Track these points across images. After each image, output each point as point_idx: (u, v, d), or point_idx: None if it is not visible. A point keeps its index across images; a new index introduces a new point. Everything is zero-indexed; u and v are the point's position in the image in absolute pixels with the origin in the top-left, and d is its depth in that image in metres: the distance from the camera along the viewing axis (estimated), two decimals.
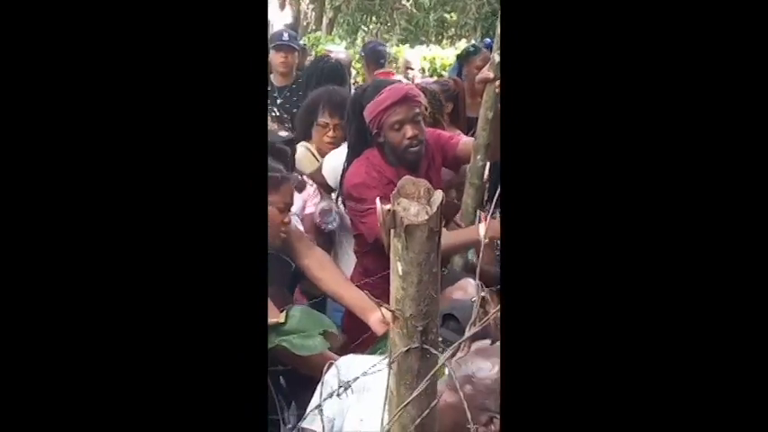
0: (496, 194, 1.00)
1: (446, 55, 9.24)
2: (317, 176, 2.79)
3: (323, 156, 2.82)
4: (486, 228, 2.26)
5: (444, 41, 10.68)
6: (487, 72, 2.26)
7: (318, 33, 10.61)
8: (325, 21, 12.06)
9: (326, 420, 1.47)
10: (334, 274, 2.23)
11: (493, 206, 1.97)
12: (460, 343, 0.82)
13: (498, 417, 1.25)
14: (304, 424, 1.47)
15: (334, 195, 2.78)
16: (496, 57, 2.24)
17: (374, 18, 11.30)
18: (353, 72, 7.15)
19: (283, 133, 2.83)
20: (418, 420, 0.85)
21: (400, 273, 0.82)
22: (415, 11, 10.80)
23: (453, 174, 2.66)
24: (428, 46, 10.03)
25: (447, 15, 11.03)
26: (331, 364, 1.34)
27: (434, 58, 9.15)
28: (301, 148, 2.82)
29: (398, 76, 3.77)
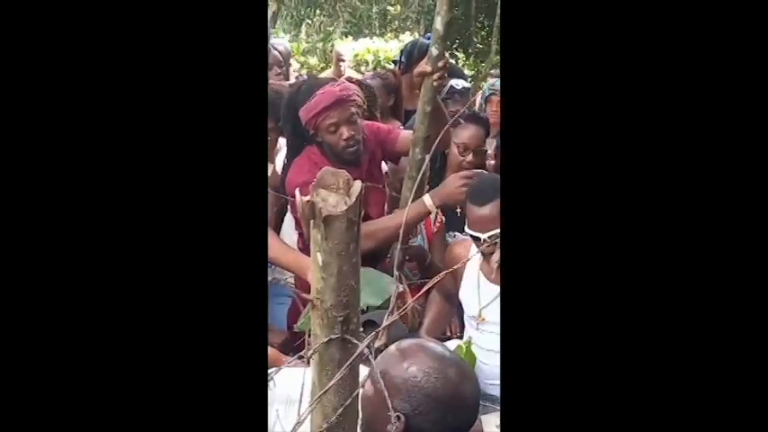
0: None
1: (389, 48, 9.27)
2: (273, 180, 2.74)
3: (271, 161, 2.80)
4: (431, 198, 2.29)
5: (388, 34, 10.69)
6: (425, 66, 2.27)
7: None
8: (269, 13, 11.95)
9: None
10: (272, 240, 2.28)
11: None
12: (378, 332, 0.83)
13: (402, 417, 1.24)
14: None
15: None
16: (434, 50, 2.25)
17: (318, 11, 11.24)
18: (297, 65, 7.11)
19: None
20: (341, 410, 0.85)
21: (320, 263, 0.82)
22: (358, 3, 10.78)
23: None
24: (372, 39, 10.04)
25: (390, 8, 11.03)
26: None
27: (378, 51, 9.17)
28: None
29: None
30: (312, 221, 0.81)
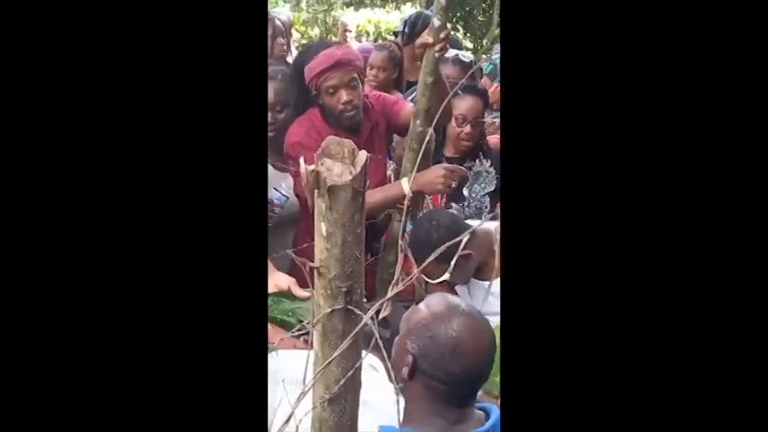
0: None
1: (390, 19, 9.19)
2: None
3: None
4: (409, 182, 2.27)
5: (389, 5, 10.59)
6: (427, 37, 2.25)
7: None
8: None
9: None
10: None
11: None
12: (383, 302, 0.83)
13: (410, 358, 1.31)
14: None
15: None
16: (436, 21, 2.23)
17: None
18: (297, 35, 7.05)
19: None
20: (343, 380, 0.85)
21: (324, 233, 0.81)
22: None
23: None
24: (373, 9, 9.95)
25: None
26: None
27: (379, 22, 9.09)
28: None
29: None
30: (317, 191, 0.80)
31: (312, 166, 0.80)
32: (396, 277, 0.83)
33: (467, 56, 3.44)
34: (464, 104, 2.85)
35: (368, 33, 8.73)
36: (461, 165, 2.84)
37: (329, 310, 0.83)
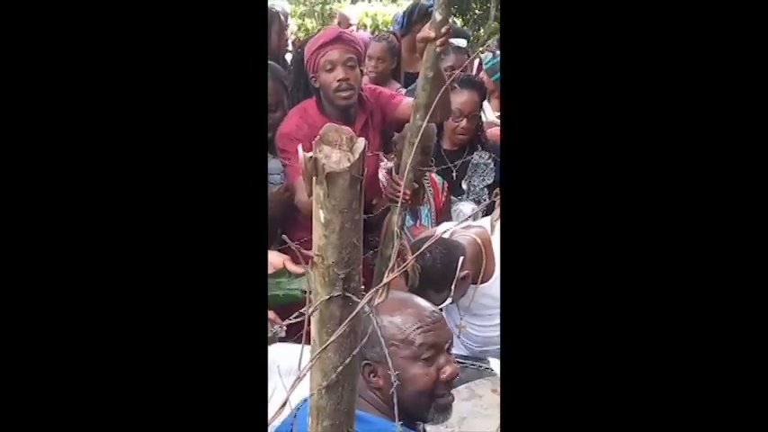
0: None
1: (387, 11, 9.18)
2: None
3: None
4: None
5: None
6: (428, 31, 2.25)
7: None
8: None
9: None
10: None
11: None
12: (378, 288, 0.83)
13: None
14: None
15: None
16: (437, 15, 2.22)
17: None
18: (294, 26, 7.03)
19: None
20: (341, 368, 0.85)
21: (322, 220, 0.81)
22: None
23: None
24: (370, 2, 9.93)
25: None
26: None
27: (376, 15, 9.08)
28: None
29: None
30: (315, 178, 0.80)
31: (310, 153, 0.80)
32: (391, 264, 0.83)
33: (461, 42, 3.43)
34: (460, 98, 2.85)
35: (365, 26, 8.71)
36: (459, 157, 2.85)
37: (327, 297, 0.83)
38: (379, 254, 2.43)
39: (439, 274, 2.11)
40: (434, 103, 1.93)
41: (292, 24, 4.74)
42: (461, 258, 2.14)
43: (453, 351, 1.54)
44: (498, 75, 3.61)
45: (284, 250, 2.22)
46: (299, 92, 2.56)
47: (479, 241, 2.27)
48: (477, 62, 3.93)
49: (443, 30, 2.19)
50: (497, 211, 2.30)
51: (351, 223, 0.82)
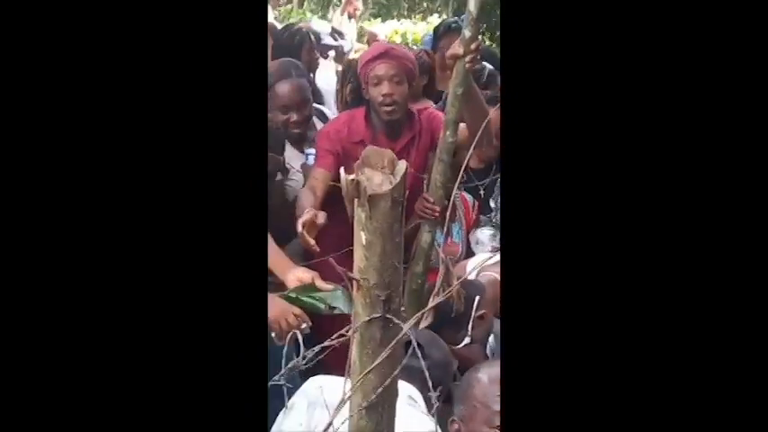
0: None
1: (417, 30, 9.21)
2: None
3: None
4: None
5: (416, 16, 10.63)
6: (458, 48, 2.25)
7: (289, 7, 10.49)
8: None
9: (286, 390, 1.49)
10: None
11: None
12: (423, 312, 0.83)
13: None
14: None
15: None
16: (467, 32, 2.23)
17: None
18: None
19: None
20: (380, 389, 0.85)
21: (364, 242, 0.82)
22: None
23: None
24: (400, 20, 9.99)
25: None
26: (294, 333, 1.35)
27: (406, 33, 9.12)
28: None
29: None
30: (356, 200, 0.81)
31: (352, 176, 0.81)
32: (436, 288, 0.83)
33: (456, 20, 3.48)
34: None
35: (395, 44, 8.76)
36: (486, 175, 2.85)
37: (368, 318, 0.83)
38: (409, 271, 2.43)
39: (455, 314, 2.11)
40: (480, 131, 1.92)
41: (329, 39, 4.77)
42: (477, 298, 2.13)
43: None
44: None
45: (310, 266, 2.24)
46: (351, 98, 2.63)
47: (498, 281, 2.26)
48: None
49: (473, 46, 2.20)
50: None
51: (392, 245, 0.82)
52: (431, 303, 0.83)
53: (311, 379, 1.63)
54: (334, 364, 1.16)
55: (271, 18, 5.18)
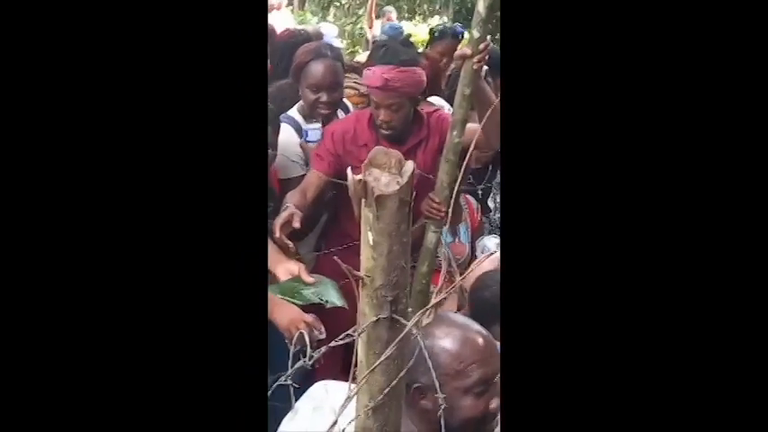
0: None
1: (418, 31, 9.21)
2: None
3: None
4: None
5: (417, 18, 10.64)
6: (466, 48, 2.25)
7: (290, 9, 10.51)
8: None
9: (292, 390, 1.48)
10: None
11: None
12: (426, 310, 0.83)
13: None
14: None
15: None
16: (475, 33, 2.22)
17: None
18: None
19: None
20: (387, 389, 0.85)
21: (371, 243, 0.82)
22: None
23: None
24: (400, 22, 9.99)
25: None
26: (301, 332, 1.35)
27: (410, 35, 9.12)
28: None
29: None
30: (363, 200, 0.81)
31: (359, 176, 0.81)
32: (439, 285, 0.83)
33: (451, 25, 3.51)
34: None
35: None
36: (485, 174, 2.85)
37: (374, 318, 0.83)
38: (416, 272, 2.42)
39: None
40: (485, 118, 1.92)
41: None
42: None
43: None
44: None
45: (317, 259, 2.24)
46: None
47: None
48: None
49: (481, 47, 2.19)
50: None
51: (399, 246, 0.82)
52: (433, 300, 0.83)
53: (316, 384, 1.63)
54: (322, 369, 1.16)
55: (285, 22, 5.18)
